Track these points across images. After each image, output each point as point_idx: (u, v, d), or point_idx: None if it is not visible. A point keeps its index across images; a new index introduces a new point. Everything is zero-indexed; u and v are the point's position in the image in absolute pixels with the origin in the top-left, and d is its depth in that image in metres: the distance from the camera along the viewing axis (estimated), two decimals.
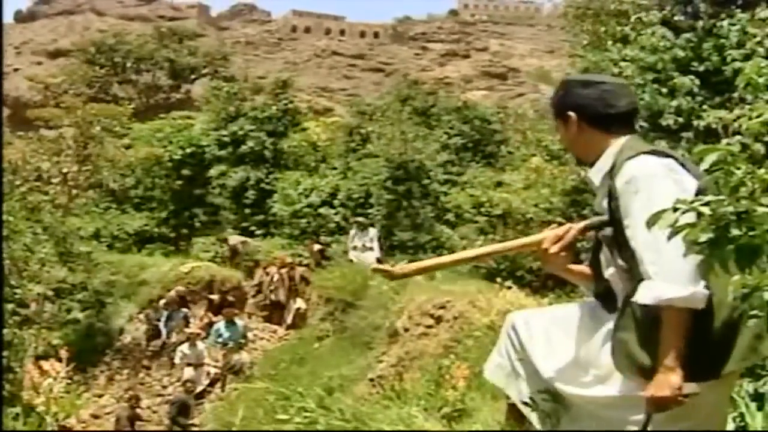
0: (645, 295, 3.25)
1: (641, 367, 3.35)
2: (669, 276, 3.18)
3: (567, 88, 3.73)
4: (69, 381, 15.43)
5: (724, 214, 2.54)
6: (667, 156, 3.41)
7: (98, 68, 63.97)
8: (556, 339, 3.74)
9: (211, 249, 27.05)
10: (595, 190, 3.66)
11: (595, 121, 3.59)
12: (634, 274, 3.39)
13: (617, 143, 3.53)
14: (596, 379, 3.53)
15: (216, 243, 26.98)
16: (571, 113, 3.62)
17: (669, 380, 3.22)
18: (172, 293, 20.11)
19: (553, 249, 3.64)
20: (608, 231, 3.50)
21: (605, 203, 3.51)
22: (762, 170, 2.57)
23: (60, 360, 13.37)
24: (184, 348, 18.22)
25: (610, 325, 3.55)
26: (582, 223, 3.69)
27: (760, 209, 2.51)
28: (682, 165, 3.38)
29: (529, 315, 4.00)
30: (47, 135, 27.95)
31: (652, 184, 3.28)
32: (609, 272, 3.65)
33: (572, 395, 3.60)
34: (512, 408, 4.01)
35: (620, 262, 3.49)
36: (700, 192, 3.15)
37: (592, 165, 3.65)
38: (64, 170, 24.43)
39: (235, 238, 25.85)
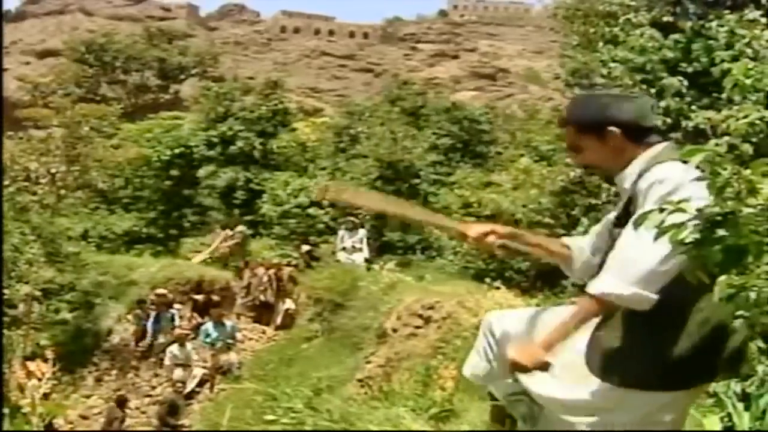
0: (592, 285, 3.34)
1: (620, 372, 3.37)
2: (619, 273, 3.25)
3: (601, 103, 3.69)
4: (56, 382, 15.38)
5: (710, 214, 2.54)
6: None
7: (87, 68, 63.98)
8: (530, 339, 3.73)
9: (200, 249, 27.01)
10: (622, 194, 3.65)
11: (632, 134, 3.59)
12: None
13: (651, 150, 3.53)
14: (570, 380, 3.52)
15: (204, 244, 26.92)
16: (614, 129, 3.58)
17: (537, 353, 3.40)
18: (152, 296, 20.06)
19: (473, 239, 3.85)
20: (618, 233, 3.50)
21: (622, 204, 3.55)
22: (748, 171, 2.57)
23: (46, 360, 13.33)
24: (174, 348, 18.18)
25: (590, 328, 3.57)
26: (500, 241, 3.85)
27: (746, 210, 2.51)
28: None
29: (505, 315, 4.00)
30: (36, 135, 27.89)
31: (670, 190, 3.26)
32: None
33: (544, 397, 3.59)
34: (495, 408, 4.02)
35: None
36: None
37: (616, 173, 3.65)
38: (53, 170, 24.36)
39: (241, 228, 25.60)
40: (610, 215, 3.85)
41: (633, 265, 3.21)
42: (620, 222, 3.48)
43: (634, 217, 3.14)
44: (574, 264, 3.93)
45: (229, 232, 24.70)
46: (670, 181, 3.26)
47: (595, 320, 3.54)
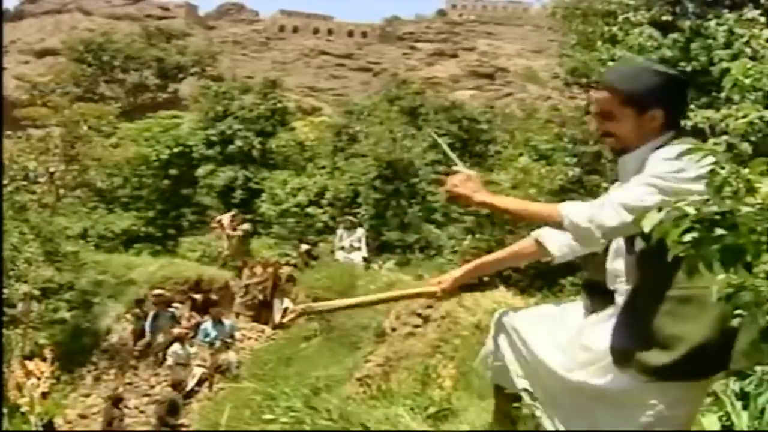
0: (567, 205, 3.51)
1: (641, 363, 3.35)
2: (592, 207, 3.40)
3: (655, 82, 3.59)
4: (55, 381, 15.38)
5: (708, 213, 2.53)
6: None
7: (86, 67, 63.94)
8: (543, 334, 3.74)
9: (198, 248, 27.02)
10: (624, 171, 3.62)
11: (670, 121, 3.57)
12: (645, 265, 3.40)
13: (665, 136, 3.52)
14: (595, 370, 3.52)
15: (203, 243, 26.92)
16: (658, 111, 3.54)
17: (477, 195, 3.65)
18: (151, 295, 20.04)
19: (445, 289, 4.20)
20: None
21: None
22: (746, 170, 2.57)
23: (45, 360, 13.34)
24: (176, 348, 18.16)
25: (599, 317, 3.57)
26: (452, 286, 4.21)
27: (744, 209, 2.51)
28: None
29: (516, 312, 4.01)
30: (34, 134, 27.89)
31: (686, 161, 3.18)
32: (615, 264, 3.63)
33: (573, 381, 3.58)
34: (499, 406, 4.02)
35: (637, 249, 3.46)
36: None
37: (631, 149, 3.62)
38: (51, 170, 24.37)
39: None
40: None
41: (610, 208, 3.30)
42: None
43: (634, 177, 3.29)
44: (555, 249, 3.93)
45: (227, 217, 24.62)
46: (676, 164, 3.25)
47: (613, 310, 3.54)
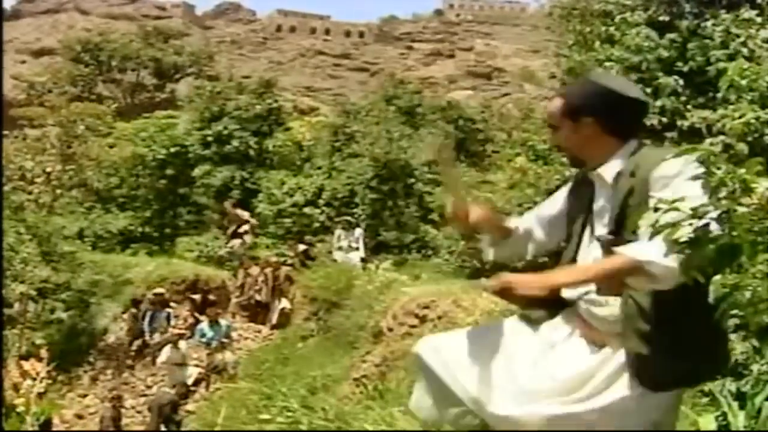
0: (633, 248, 3.13)
1: (645, 375, 3.29)
2: (661, 246, 2.98)
3: (587, 90, 3.66)
4: (51, 381, 15.36)
5: (704, 213, 2.53)
6: None
7: (83, 67, 63.88)
8: (480, 360, 3.66)
9: (195, 248, 27.01)
10: (601, 188, 3.61)
11: (609, 127, 3.57)
12: None
13: (630, 146, 3.52)
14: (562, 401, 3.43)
15: (200, 243, 26.90)
16: (588, 118, 3.56)
17: (542, 281, 3.36)
18: (149, 295, 20.02)
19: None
20: (605, 231, 3.46)
21: (621, 197, 3.42)
22: (742, 170, 2.57)
23: (41, 360, 13.33)
24: (168, 349, 18.13)
25: (559, 337, 3.55)
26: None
27: (741, 209, 2.51)
28: None
29: (442, 341, 3.89)
30: (31, 134, 27.89)
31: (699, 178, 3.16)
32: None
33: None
34: None
35: None
36: None
37: (592, 167, 3.62)
38: (48, 169, 24.36)
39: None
40: (555, 200, 3.91)
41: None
42: (618, 217, 3.43)
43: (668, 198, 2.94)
44: (521, 242, 4.00)
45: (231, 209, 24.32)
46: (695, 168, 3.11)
47: (571, 327, 3.51)
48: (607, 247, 3.32)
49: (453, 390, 3.64)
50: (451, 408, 3.69)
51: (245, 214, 24.18)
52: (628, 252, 3.11)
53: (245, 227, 23.55)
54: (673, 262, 2.91)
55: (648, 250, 3.00)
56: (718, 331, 3.24)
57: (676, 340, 3.23)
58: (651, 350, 3.24)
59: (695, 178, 3.01)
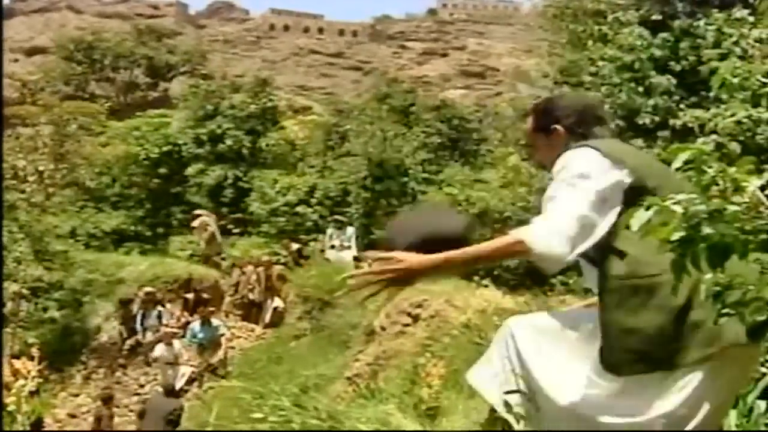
0: (521, 229, 3.39)
1: (607, 361, 3.36)
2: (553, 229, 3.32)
3: (553, 104, 3.85)
4: (43, 380, 15.33)
5: (696, 212, 2.54)
6: (594, 148, 3.51)
7: (76, 66, 63.73)
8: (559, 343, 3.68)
9: (188, 247, 26.97)
10: None
11: (576, 133, 3.68)
12: (596, 262, 3.46)
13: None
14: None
15: (193, 242, 26.85)
16: (558, 127, 3.72)
17: (417, 266, 3.44)
18: (142, 293, 19.99)
19: None
20: None
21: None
22: (733, 169, 2.57)
23: (32, 359, 13.33)
24: (161, 347, 18.10)
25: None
26: None
27: (732, 208, 2.51)
28: (613, 158, 3.46)
29: (527, 321, 3.92)
30: (24, 133, 27.78)
31: (571, 157, 3.47)
32: (585, 269, 3.64)
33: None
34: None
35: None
36: (637, 182, 3.35)
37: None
38: (41, 168, 24.26)
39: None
40: None
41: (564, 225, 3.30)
42: None
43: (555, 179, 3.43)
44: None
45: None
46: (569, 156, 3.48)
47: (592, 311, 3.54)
48: None
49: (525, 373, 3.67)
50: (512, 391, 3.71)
51: (201, 217, 24.02)
52: (514, 232, 3.36)
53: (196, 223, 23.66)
54: (556, 245, 3.26)
55: (533, 231, 3.32)
56: (673, 316, 3.25)
57: (632, 329, 3.29)
58: (608, 334, 3.36)
59: (562, 179, 3.41)
